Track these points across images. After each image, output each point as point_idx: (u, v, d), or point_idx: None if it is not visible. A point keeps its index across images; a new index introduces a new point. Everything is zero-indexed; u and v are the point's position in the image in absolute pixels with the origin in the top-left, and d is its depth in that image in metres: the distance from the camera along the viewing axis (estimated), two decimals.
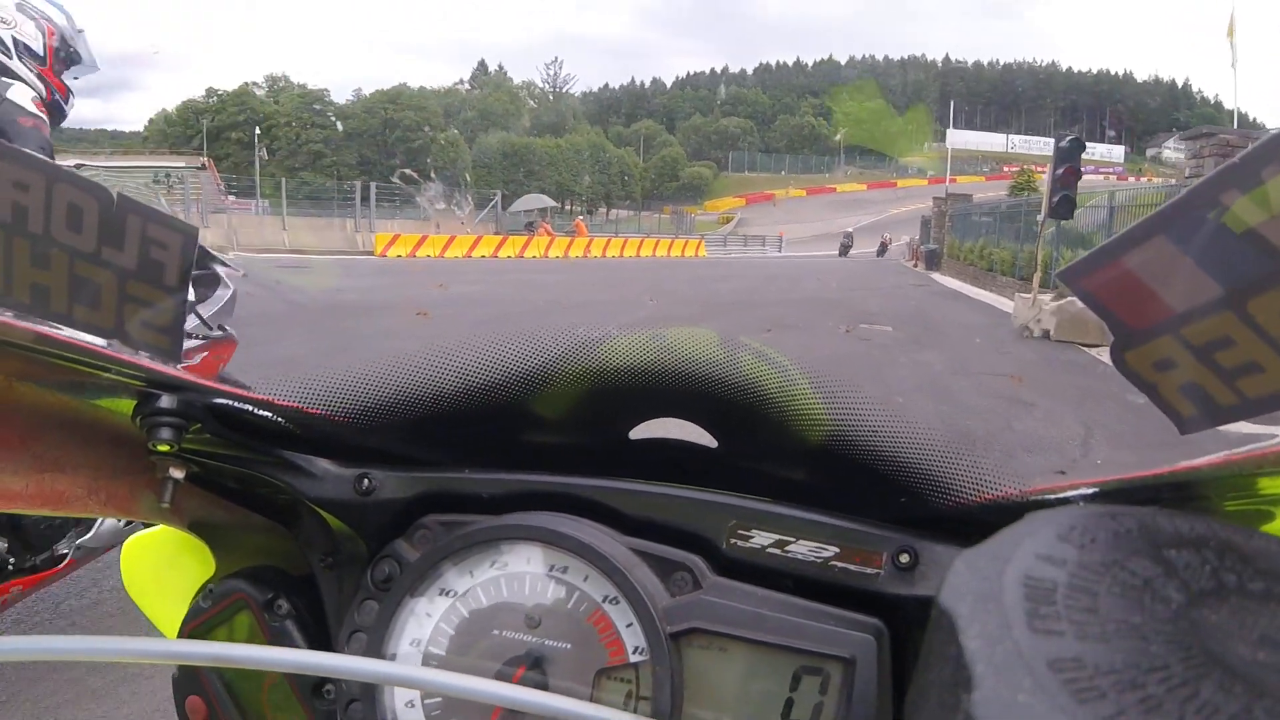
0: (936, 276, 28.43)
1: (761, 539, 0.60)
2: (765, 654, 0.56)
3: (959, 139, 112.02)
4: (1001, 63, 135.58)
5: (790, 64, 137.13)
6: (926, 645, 0.30)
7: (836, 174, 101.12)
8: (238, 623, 0.67)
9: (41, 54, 2.95)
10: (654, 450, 0.69)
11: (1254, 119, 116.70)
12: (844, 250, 46.20)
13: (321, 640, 0.66)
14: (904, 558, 0.57)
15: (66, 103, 3.05)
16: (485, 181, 64.12)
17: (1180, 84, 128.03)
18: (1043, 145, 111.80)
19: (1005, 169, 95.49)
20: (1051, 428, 6.52)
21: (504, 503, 0.65)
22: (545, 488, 0.65)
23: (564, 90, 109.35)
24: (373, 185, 32.09)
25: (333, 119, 73.10)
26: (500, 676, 0.56)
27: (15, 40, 2.93)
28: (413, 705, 0.58)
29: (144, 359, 0.52)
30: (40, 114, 2.85)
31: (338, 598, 0.66)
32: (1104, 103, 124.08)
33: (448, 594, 0.60)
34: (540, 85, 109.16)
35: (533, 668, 0.56)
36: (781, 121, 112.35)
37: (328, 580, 0.67)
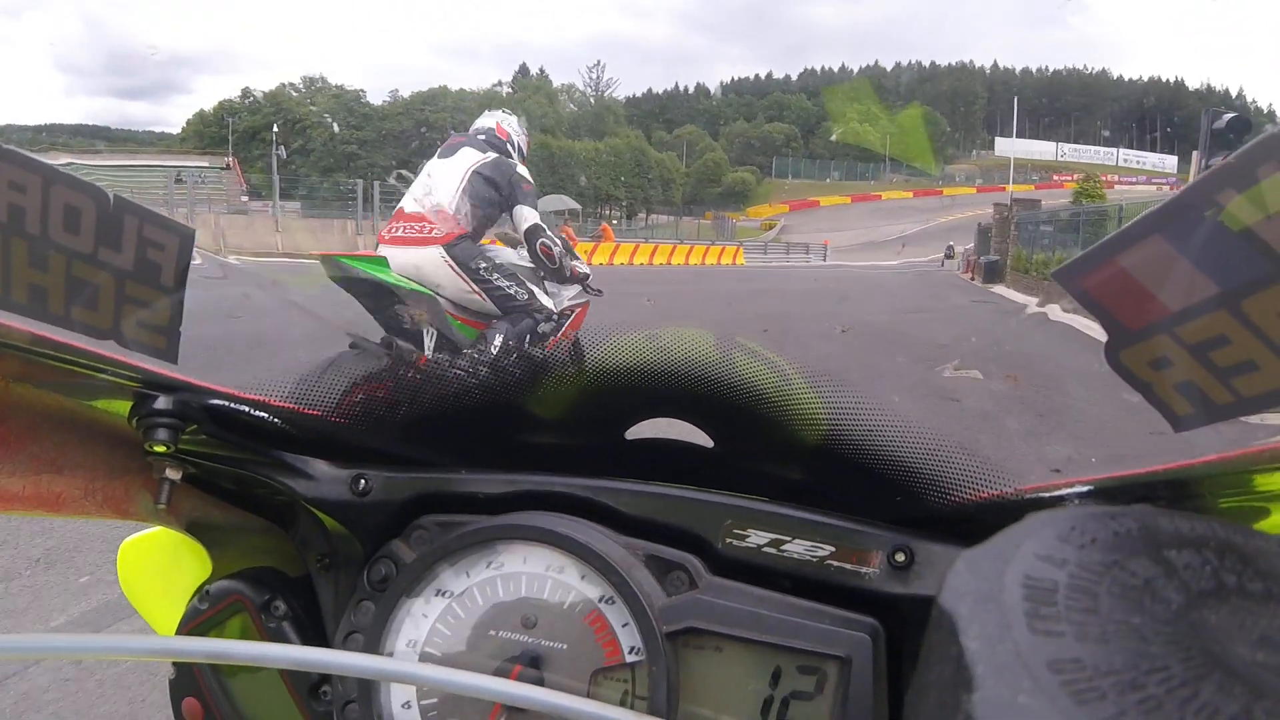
0: (1000, 291, 26.19)
1: (757, 538, 0.60)
2: (761, 653, 0.56)
3: (1008, 147, 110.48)
4: (1050, 69, 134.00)
5: (835, 69, 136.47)
6: (926, 645, 0.30)
7: (882, 181, 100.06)
8: (234, 624, 0.67)
9: (524, 152, 4.66)
10: (650, 450, 0.69)
11: None
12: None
13: (318, 641, 0.66)
14: (899, 557, 0.57)
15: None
16: None
17: (1234, 93, 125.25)
18: (1092, 154, 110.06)
19: (1055, 177, 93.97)
20: None
21: (500, 503, 0.64)
22: (541, 488, 0.64)
23: (606, 93, 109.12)
24: (375, 185, 30.13)
25: (328, 119, 72.12)
26: (497, 676, 0.56)
27: (520, 145, 4.62)
28: (409, 706, 0.58)
29: (140, 360, 0.52)
30: (531, 182, 4.51)
31: (334, 598, 0.66)
32: (1155, 111, 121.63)
33: (444, 594, 0.60)
34: (581, 89, 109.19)
35: (529, 668, 0.56)
36: (825, 128, 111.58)
37: (324, 581, 0.67)
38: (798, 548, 0.59)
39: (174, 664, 0.67)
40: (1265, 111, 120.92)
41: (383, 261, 4.07)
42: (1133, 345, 0.38)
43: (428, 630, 0.60)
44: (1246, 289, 0.33)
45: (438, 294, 4.16)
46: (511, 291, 4.27)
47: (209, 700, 0.66)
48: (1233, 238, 0.32)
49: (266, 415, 0.63)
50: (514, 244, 4.61)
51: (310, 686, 0.64)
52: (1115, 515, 0.32)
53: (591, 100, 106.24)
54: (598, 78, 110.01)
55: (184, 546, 0.75)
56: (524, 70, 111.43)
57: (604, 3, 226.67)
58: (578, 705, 0.43)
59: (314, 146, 71.55)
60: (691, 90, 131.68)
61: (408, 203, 4.30)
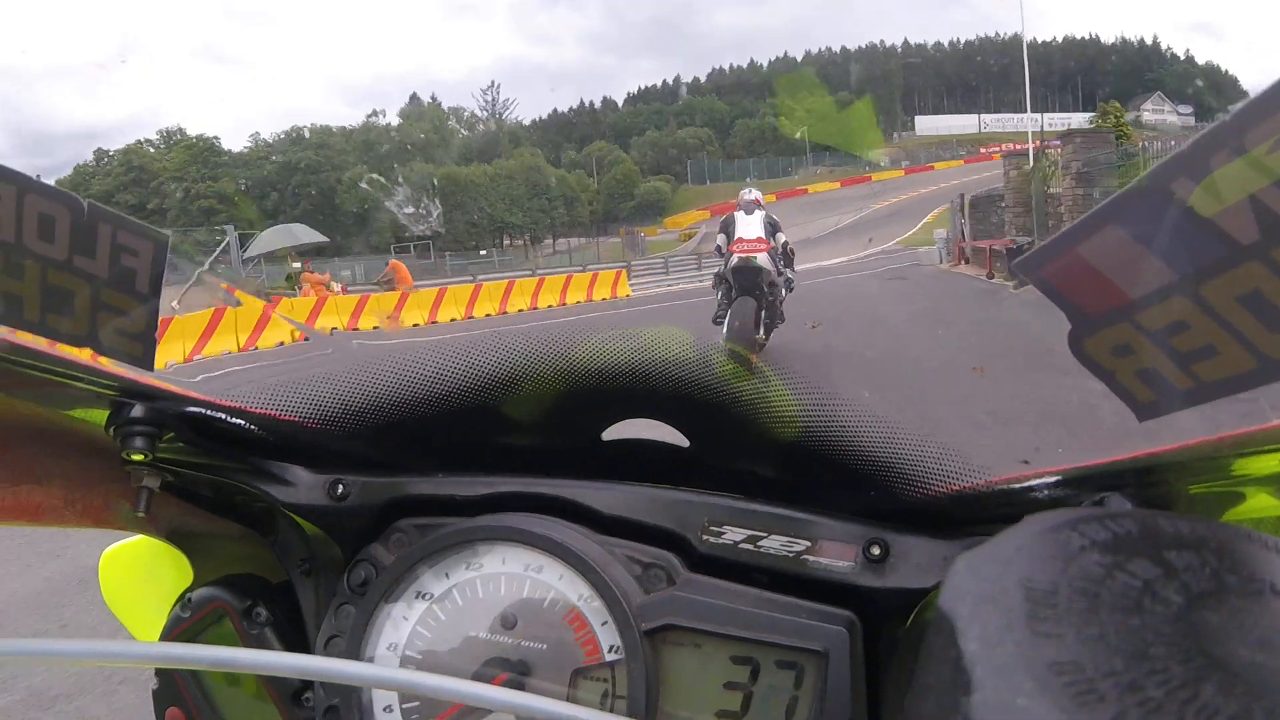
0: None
1: (733, 535, 0.60)
2: (740, 649, 0.56)
3: (928, 125, 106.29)
4: (963, 41, 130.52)
5: (744, 65, 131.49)
6: (925, 647, 0.30)
7: (805, 174, 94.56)
8: (217, 631, 0.67)
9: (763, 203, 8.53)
10: (627, 450, 0.70)
11: (1225, 70, 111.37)
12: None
13: (300, 646, 0.66)
14: (875, 550, 0.57)
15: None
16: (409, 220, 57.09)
17: (1150, 42, 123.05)
18: (1017, 121, 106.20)
19: (982, 150, 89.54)
20: None
21: (478, 505, 0.65)
22: (519, 489, 0.65)
23: (503, 116, 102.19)
24: (232, 236, 23.82)
25: (160, 180, 64.92)
26: (477, 678, 0.56)
27: (762, 200, 8.50)
28: (390, 709, 0.58)
29: (116, 368, 0.52)
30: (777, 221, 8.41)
31: (315, 603, 0.67)
32: (1075, 72, 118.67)
33: (424, 597, 0.61)
34: (478, 112, 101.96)
35: (509, 669, 0.56)
36: (741, 126, 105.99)
37: (305, 586, 0.67)
38: (774, 543, 0.59)
39: (157, 673, 0.67)
40: (1182, 58, 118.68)
41: None
42: (1095, 334, 0.38)
43: (408, 633, 0.60)
44: (1205, 275, 0.33)
45: (763, 268, 7.87)
46: (780, 266, 8.20)
47: (192, 709, 0.67)
48: (1190, 225, 0.33)
49: (243, 422, 0.62)
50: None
51: (292, 693, 0.64)
52: (1115, 517, 0.32)
53: (483, 124, 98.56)
54: (493, 100, 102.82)
55: (165, 555, 0.75)
56: (416, 100, 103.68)
57: (509, 32, 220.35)
58: (554, 709, 0.42)
59: (170, 205, 63.38)
60: (599, 105, 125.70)
61: (746, 231, 8.00)
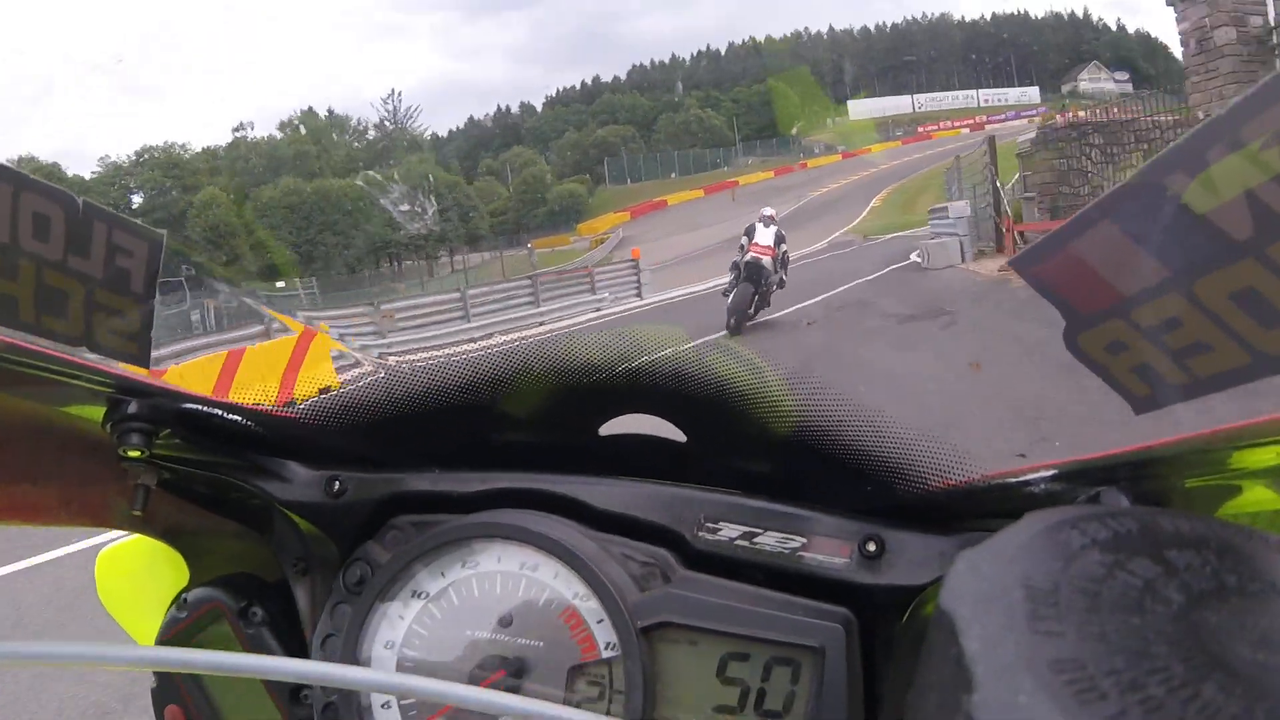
0: None
1: (729, 531, 0.60)
2: (736, 645, 0.56)
3: (861, 109, 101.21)
4: (889, 24, 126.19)
5: (666, 60, 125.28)
6: (926, 645, 0.30)
7: (736, 165, 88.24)
8: (213, 631, 0.67)
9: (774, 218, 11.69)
10: (623, 446, 0.69)
11: (1155, 36, 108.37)
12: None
13: (297, 644, 0.66)
14: (871, 546, 0.57)
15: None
16: (272, 241, 48.95)
17: (1080, 14, 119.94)
18: (952, 99, 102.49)
19: (920, 129, 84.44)
20: None
21: (474, 502, 0.65)
22: (515, 485, 0.65)
23: (407, 125, 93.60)
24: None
25: None
26: (473, 678, 0.56)
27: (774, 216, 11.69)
28: (388, 706, 0.59)
29: (112, 365, 0.52)
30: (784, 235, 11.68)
31: (311, 602, 0.67)
32: (1006, 46, 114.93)
33: (420, 596, 0.61)
34: (380, 121, 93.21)
35: (506, 668, 0.56)
36: (665, 120, 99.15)
37: (301, 585, 0.67)
38: (770, 540, 0.59)
39: (155, 673, 0.67)
40: (1114, 29, 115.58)
41: None
42: (1089, 330, 0.38)
43: (404, 632, 0.60)
44: (1198, 272, 0.33)
45: (765, 267, 10.64)
46: (777, 269, 10.98)
47: (190, 707, 0.67)
48: (1184, 221, 0.32)
49: (240, 418, 0.62)
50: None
51: (291, 690, 0.64)
52: (1115, 515, 0.32)
53: (379, 131, 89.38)
54: (394, 108, 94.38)
55: (161, 555, 0.75)
56: (309, 112, 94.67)
57: (434, 50, 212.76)
58: (548, 711, 0.42)
59: None
60: (517, 110, 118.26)
61: (760, 239, 10.80)
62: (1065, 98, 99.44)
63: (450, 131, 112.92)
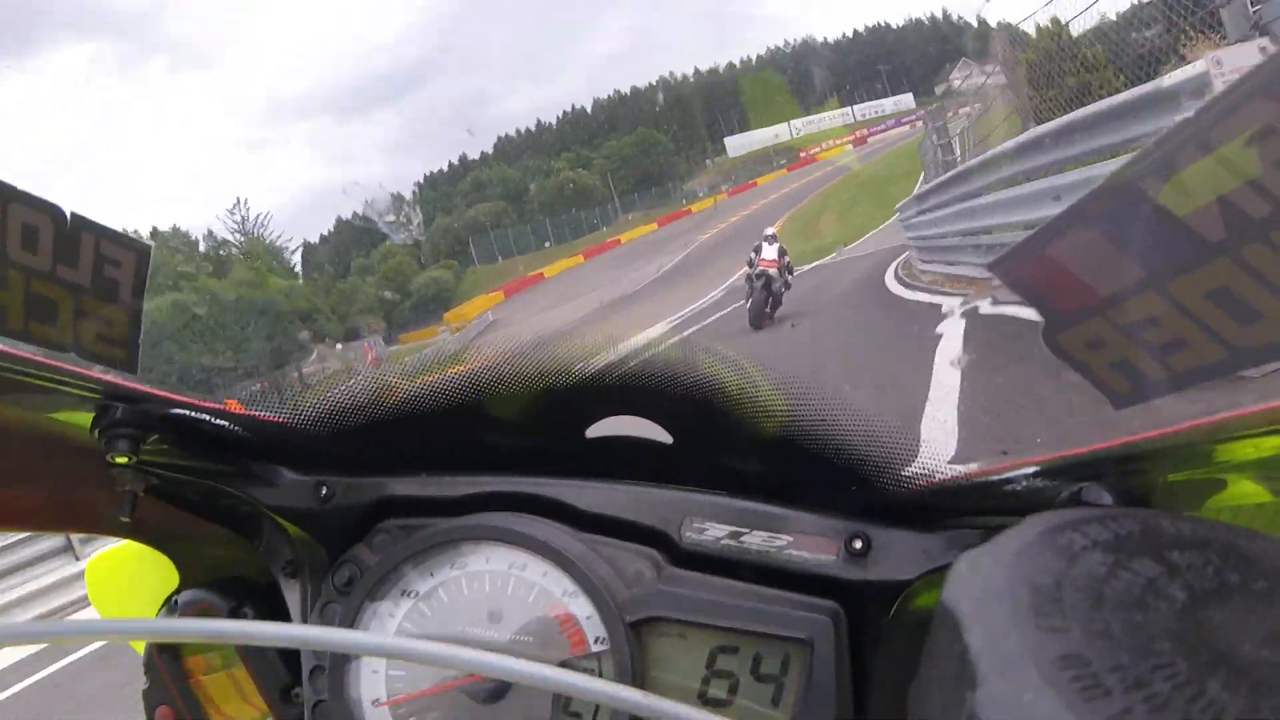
0: None
1: (716, 531, 0.60)
2: (725, 638, 0.57)
3: (739, 143, 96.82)
4: (754, 57, 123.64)
5: (532, 127, 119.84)
6: (930, 642, 0.30)
7: (619, 223, 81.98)
8: None
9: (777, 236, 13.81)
10: (611, 448, 0.70)
11: (1017, 25, 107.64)
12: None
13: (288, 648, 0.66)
14: (857, 544, 0.57)
15: None
16: None
17: (940, 16, 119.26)
18: (829, 119, 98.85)
19: (802, 154, 79.95)
20: None
21: (463, 505, 0.65)
22: (503, 489, 0.65)
23: (256, 233, 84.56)
24: None
25: None
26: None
27: (776, 234, 14.00)
28: (379, 703, 0.59)
29: (100, 372, 0.52)
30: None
31: (301, 604, 0.67)
32: (872, 59, 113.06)
33: (410, 595, 0.61)
34: (227, 236, 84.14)
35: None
36: (538, 187, 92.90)
37: (290, 587, 0.67)
38: (756, 539, 0.59)
39: (147, 673, 0.68)
40: (975, 24, 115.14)
41: None
42: (1069, 329, 0.38)
43: (394, 630, 0.61)
44: (1174, 271, 0.33)
45: (773, 276, 12.56)
46: (784, 276, 12.90)
47: (181, 707, 0.67)
48: (1158, 223, 0.33)
49: (227, 423, 0.63)
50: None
51: (281, 689, 0.64)
52: (1116, 516, 0.32)
53: (233, 246, 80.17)
54: (242, 218, 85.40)
55: (150, 560, 0.75)
56: (154, 234, 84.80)
57: (309, 157, 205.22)
58: (548, 673, 0.43)
59: None
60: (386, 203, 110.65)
61: (766, 255, 12.69)
62: (941, 98, 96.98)
63: (320, 236, 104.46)
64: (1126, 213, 0.34)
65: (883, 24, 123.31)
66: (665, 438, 0.67)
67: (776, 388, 0.59)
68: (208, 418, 0.61)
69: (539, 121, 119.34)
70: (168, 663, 0.69)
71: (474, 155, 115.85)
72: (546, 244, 78.12)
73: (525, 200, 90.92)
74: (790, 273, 13.47)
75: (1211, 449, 0.41)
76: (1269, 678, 0.24)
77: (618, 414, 0.67)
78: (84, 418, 0.58)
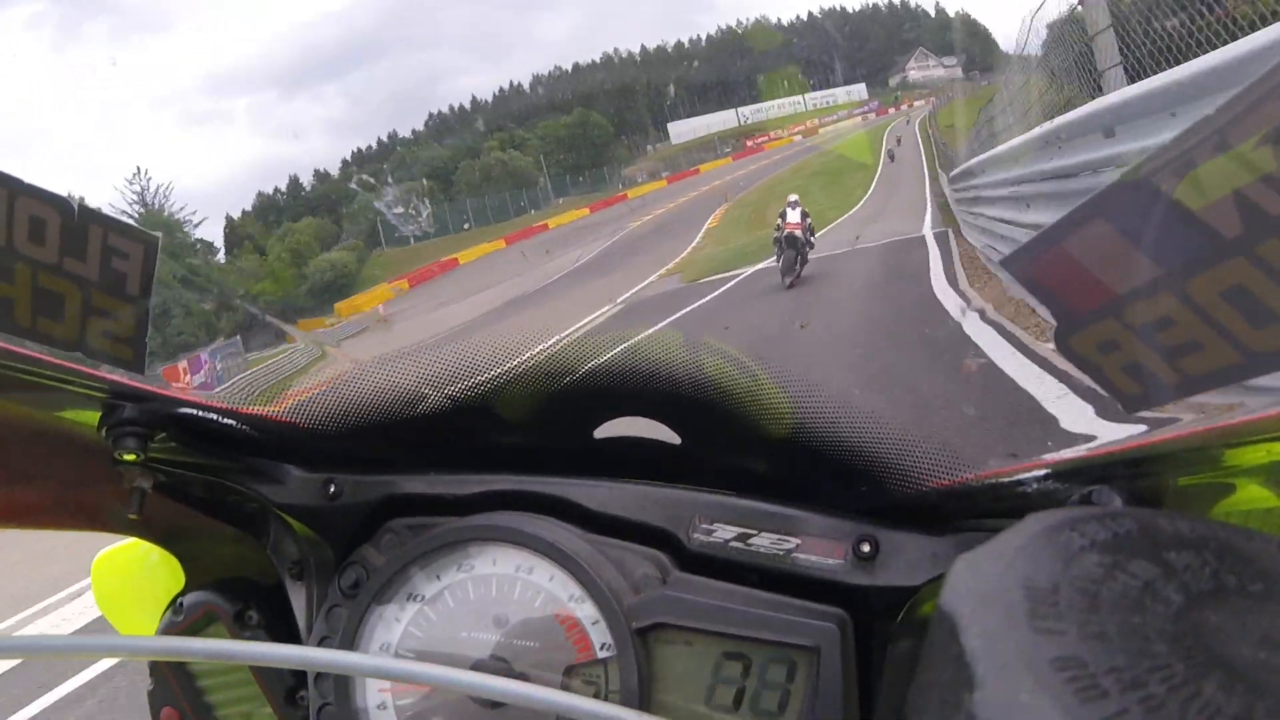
0: None
1: (724, 533, 0.60)
2: (732, 646, 0.56)
3: (684, 129, 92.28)
4: (704, 38, 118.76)
5: (466, 104, 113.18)
6: (927, 644, 0.30)
7: (546, 208, 76.14)
8: (209, 634, 0.67)
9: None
10: (619, 448, 0.69)
11: (975, 19, 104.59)
12: None
13: None
14: (865, 547, 0.57)
15: None
16: None
17: (899, 4, 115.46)
18: (779, 107, 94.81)
19: (748, 143, 75.43)
20: None
21: (470, 504, 0.65)
22: (511, 488, 0.65)
23: (157, 206, 76.76)
24: None
25: None
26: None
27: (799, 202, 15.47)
28: (384, 707, 0.59)
29: (107, 371, 0.52)
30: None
31: (307, 605, 0.67)
32: (829, 45, 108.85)
33: (416, 598, 0.61)
34: (125, 208, 76.15)
35: (501, 669, 0.57)
36: (466, 167, 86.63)
37: (297, 589, 0.67)
38: (764, 541, 0.59)
39: (152, 675, 0.68)
40: (933, 14, 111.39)
41: None
42: (1081, 330, 0.38)
43: (400, 634, 0.60)
44: (1189, 271, 0.33)
45: (799, 238, 13.89)
46: (806, 236, 14.16)
47: (187, 709, 0.67)
48: (1174, 221, 0.33)
49: (234, 422, 0.62)
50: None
51: (286, 692, 0.64)
52: (1115, 517, 0.32)
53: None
54: (142, 189, 77.46)
55: (157, 558, 0.75)
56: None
57: (252, 133, 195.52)
58: (542, 695, 0.43)
59: None
60: (311, 180, 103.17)
61: (791, 219, 14.01)
62: (895, 90, 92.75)
63: (242, 211, 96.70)
64: (1142, 209, 0.33)
65: (838, 8, 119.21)
66: (673, 438, 0.67)
67: (783, 387, 0.58)
68: (215, 416, 0.61)
69: (474, 98, 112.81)
70: (173, 665, 0.69)
71: (405, 133, 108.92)
72: (466, 226, 71.77)
73: (455, 179, 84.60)
74: (812, 234, 15.20)
75: (1222, 453, 0.41)
76: (1265, 680, 0.24)
77: (625, 414, 0.66)
78: (91, 416, 0.57)
